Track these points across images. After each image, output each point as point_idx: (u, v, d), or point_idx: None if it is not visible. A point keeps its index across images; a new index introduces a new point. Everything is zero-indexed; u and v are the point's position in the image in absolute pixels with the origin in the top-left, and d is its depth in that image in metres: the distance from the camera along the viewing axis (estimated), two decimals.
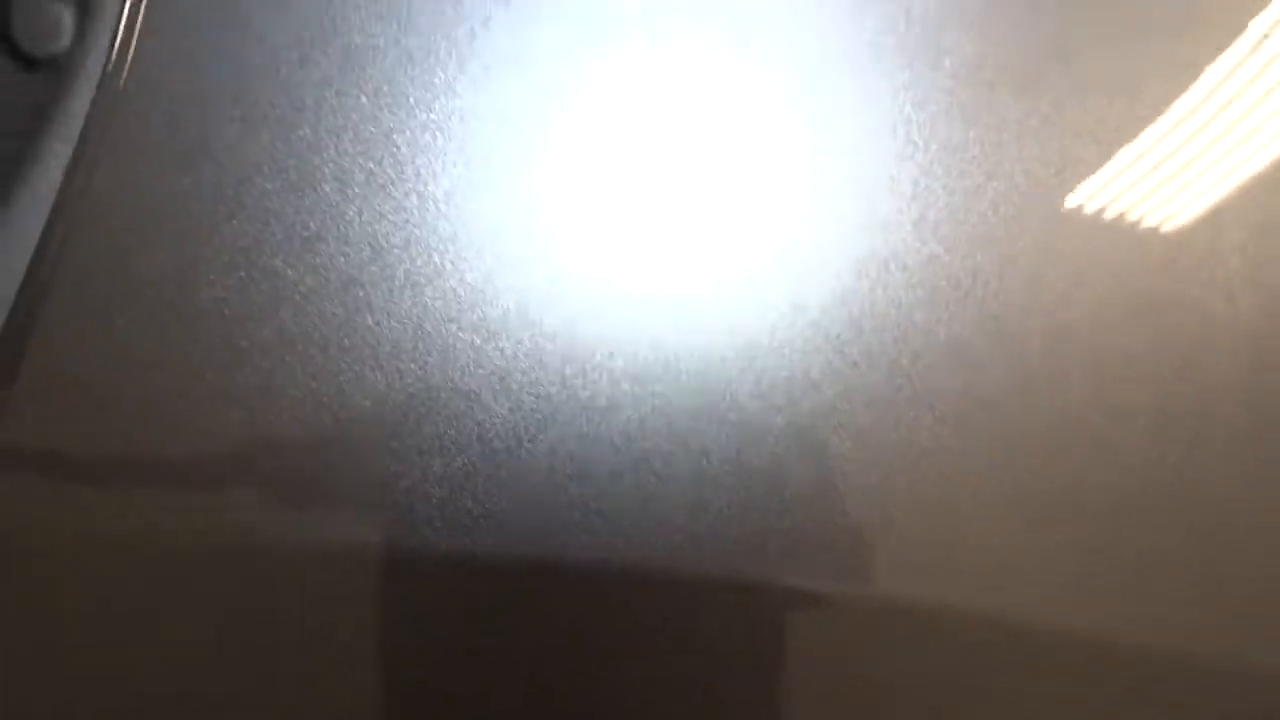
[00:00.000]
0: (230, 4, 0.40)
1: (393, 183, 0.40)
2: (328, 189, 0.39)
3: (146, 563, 0.38)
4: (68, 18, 0.49)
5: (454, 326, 0.39)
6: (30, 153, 0.46)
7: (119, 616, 0.39)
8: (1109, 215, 0.43)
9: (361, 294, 0.39)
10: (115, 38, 0.46)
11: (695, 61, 0.41)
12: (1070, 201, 0.42)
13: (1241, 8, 0.44)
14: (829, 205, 0.41)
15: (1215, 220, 0.43)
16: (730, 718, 0.41)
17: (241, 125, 0.39)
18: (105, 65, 0.45)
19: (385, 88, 0.40)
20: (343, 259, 0.39)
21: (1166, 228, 0.43)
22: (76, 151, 0.44)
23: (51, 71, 0.50)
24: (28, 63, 0.50)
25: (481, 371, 0.39)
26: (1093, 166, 0.42)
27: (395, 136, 0.40)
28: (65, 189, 0.43)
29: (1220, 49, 0.43)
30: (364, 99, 0.40)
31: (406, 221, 0.39)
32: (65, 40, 0.49)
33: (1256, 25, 0.43)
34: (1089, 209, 0.42)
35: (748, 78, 0.41)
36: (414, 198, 0.39)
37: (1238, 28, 0.44)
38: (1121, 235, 0.43)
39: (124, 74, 0.42)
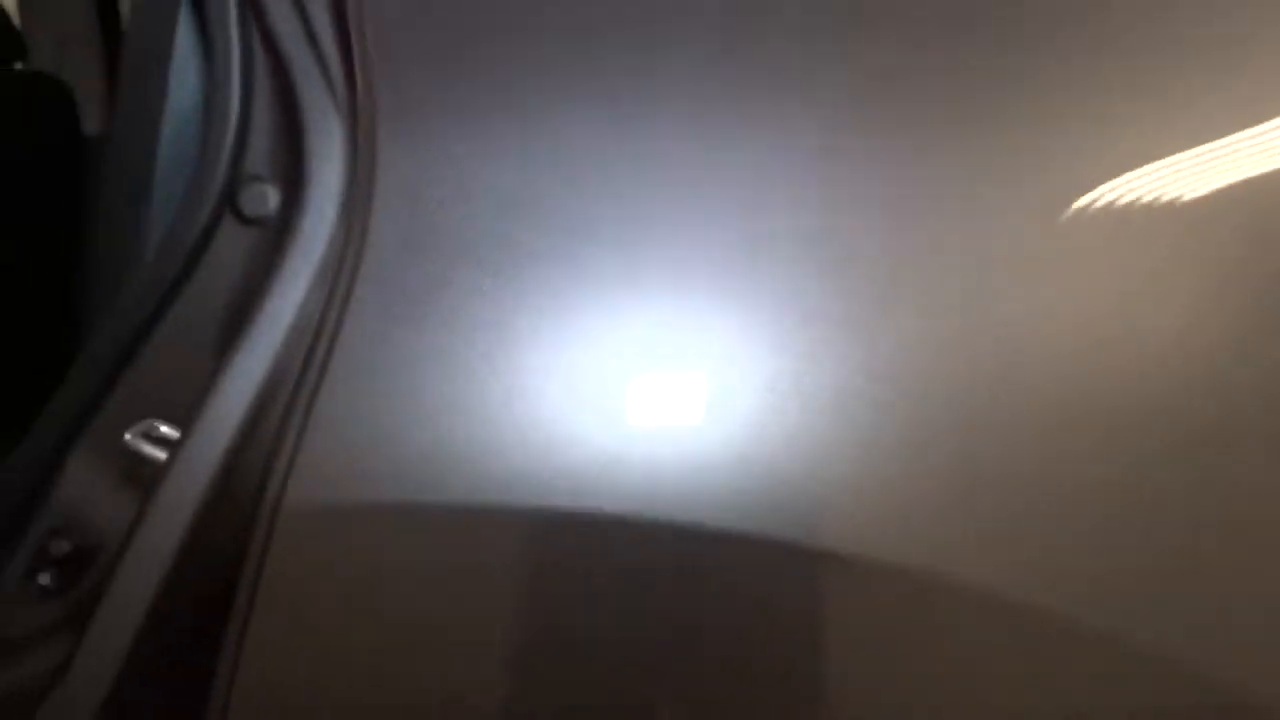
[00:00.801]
0: (394, 226, 0.75)
1: (479, 359, 0.77)
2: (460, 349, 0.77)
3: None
4: (274, 193, 0.82)
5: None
6: (253, 292, 0.80)
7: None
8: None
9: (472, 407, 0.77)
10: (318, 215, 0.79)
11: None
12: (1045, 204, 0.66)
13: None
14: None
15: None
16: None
17: (403, 321, 0.76)
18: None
19: (473, 299, 0.76)
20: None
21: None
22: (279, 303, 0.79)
23: (262, 230, 0.83)
24: (246, 221, 0.83)
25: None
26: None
27: (485, 327, 0.77)
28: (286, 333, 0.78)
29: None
30: (463, 304, 0.77)
31: (491, 373, 0.77)
32: (271, 208, 0.82)
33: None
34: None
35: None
36: (486, 359, 0.78)
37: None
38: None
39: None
